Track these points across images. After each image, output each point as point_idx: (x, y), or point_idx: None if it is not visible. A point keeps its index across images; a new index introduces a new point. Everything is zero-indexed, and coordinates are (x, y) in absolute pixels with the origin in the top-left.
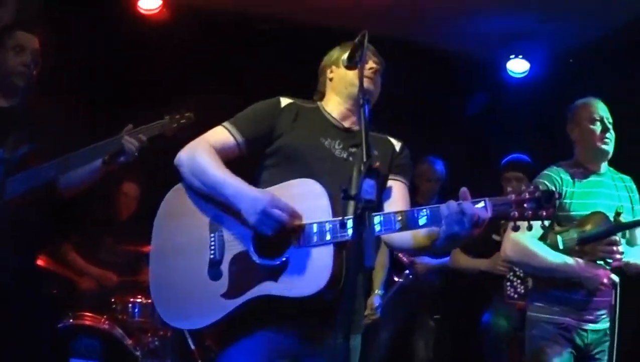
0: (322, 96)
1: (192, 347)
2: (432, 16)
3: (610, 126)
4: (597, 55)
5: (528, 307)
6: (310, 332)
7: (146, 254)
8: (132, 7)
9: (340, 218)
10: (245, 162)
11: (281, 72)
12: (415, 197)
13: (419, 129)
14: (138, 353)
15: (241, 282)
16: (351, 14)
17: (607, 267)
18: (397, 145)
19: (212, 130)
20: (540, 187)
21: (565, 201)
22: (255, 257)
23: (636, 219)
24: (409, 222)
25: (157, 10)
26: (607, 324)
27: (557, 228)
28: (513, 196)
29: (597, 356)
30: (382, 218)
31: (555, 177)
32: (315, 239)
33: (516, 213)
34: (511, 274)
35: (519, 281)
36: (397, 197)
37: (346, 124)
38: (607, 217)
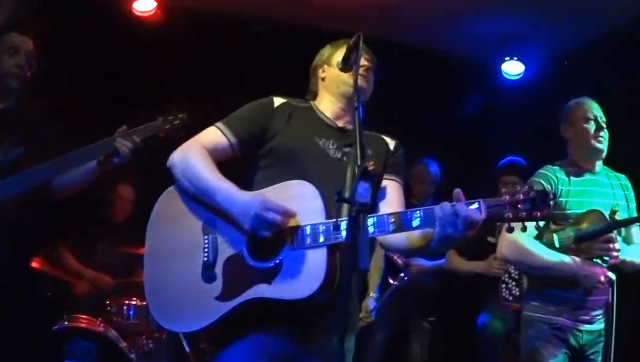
0: (314, 96)
1: (187, 349)
2: (427, 18)
3: (604, 125)
4: (592, 57)
5: (523, 306)
6: (304, 334)
7: (141, 256)
8: (127, 8)
9: (334, 220)
10: (238, 162)
11: (276, 73)
12: (410, 199)
13: (414, 130)
14: (133, 356)
15: (235, 285)
16: (346, 16)
17: (604, 265)
18: (392, 144)
19: (204, 131)
20: (536, 186)
21: (561, 199)
22: (248, 260)
23: (632, 216)
24: (402, 223)
25: (152, 12)
26: (602, 325)
27: (553, 226)
28: (507, 197)
29: (591, 357)
30: (375, 220)
31: (551, 176)
32: (308, 241)
33: (510, 214)
34: (506, 276)
35: (514, 283)
36: (392, 197)
37: (340, 123)
38: (603, 215)
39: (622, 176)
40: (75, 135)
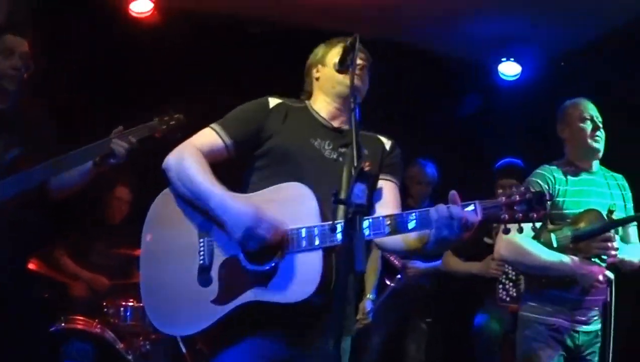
0: (309, 95)
1: (184, 351)
2: (424, 18)
3: (600, 125)
4: (588, 58)
5: (521, 307)
6: (301, 337)
7: (138, 257)
8: (124, 9)
9: (330, 223)
10: (233, 163)
11: (272, 74)
12: (407, 200)
13: (411, 131)
14: (130, 357)
15: (231, 288)
16: (343, 17)
17: (603, 264)
18: (388, 144)
19: (200, 133)
20: (533, 186)
21: (558, 199)
22: (244, 263)
23: (630, 215)
24: (398, 226)
25: (149, 13)
26: (599, 326)
27: (550, 226)
28: (503, 199)
29: (588, 357)
30: (371, 222)
31: (549, 176)
32: (304, 243)
33: (506, 216)
34: (503, 276)
35: (511, 284)
36: (388, 198)
37: (335, 123)
38: (600, 214)
39: (619, 176)
40: (72, 136)
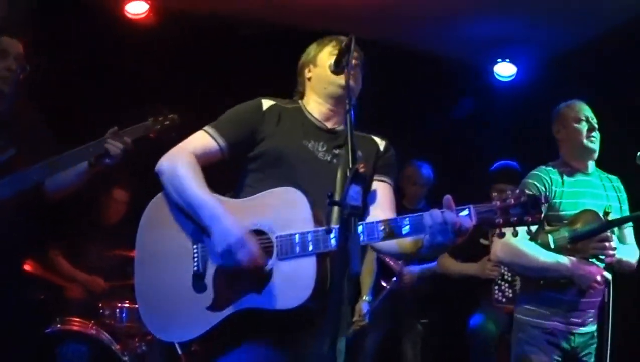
0: (302, 95)
1: (180, 352)
2: (420, 20)
3: (596, 126)
4: (584, 60)
5: (516, 309)
6: (296, 341)
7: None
8: (119, 11)
9: (323, 228)
10: (227, 166)
11: (267, 75)
12: (402, 201)
13: (406, 132)
14: (126, 358)
15: (226, 295)
16: (337, 17)
17: (601, 265)
18: (382, 144)
19: (193, 136)
20: (529, 188)
21: (554, 200)
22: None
23: (627, 215)
24: (392, 231)
25: (144, 15)
26: (595, 327)
27: (547, 228)
28: (498, 203)
29: (584, 359)
30: (365, 227)
31: (545, 177)
32: (297, 249)
33: (501, 220)
34: (499, 277)
35: (507, 285)
36: (383, 199)
37: (329, 124)
38: (597, 214)
39: (614, 178)
40: (68, 137)
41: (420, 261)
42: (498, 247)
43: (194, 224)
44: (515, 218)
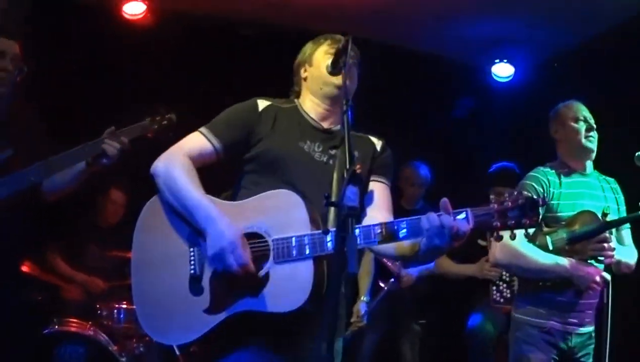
0: (298, 94)
1: (178, 353)
2: (417, 20)
3: (594, 126)
4: (581, 60)
5: (513, 309)
6: (293, 343)
7: None
8: (117, 12)
9: (320, 231)
10: (222, 167)
11: (265, 76)
12: (400, 202)
13: (404, 132)
14: (123, 359)
15: (222, 298)
16: (336, 19)
17: (600, 266)
18: (378, 144)
19: (188, 137)
20: (527, 190)
21: (552, 202)
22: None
23: (625, 216)
24: (389, 235)
25: (142, 15)
26: (592, 328)
27: (545, 229)
28: (495, 205)
29: (581, 359)
30: (362, 230)
31: (543, 179)
32: (294, 253)
33: (499, 223)
34: (497, 278)
35: (504, 285)
36: (380, 200)
37: (325, 124)
38: (595, 215)
39: (611, 180)
40: (65, 137)
41: (417, 264)
42: (497, 249)
43: (190, 226)
44: (513, 221)
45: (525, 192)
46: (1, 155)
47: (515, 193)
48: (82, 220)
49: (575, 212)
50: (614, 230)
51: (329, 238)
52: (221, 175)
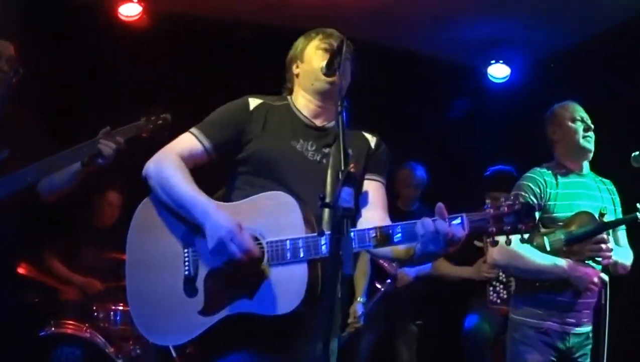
0: (290, 91)
1: (174, 354)
2: (414, 21)
3: (591, 126)
4: (577, 60)
5: (510, 309)
6: (288, 345)
7: None
8: (113, 13)
9: (314, 233)
10: (214, 167)
11: (260, 77)
12: (396, 203)
13: (400, 133)
14: (120, 361)
15: (217, 299)
16: (332, 20)
17: (598, 267)
18: (373, 141)
19: (179, 138)
20: (524, 190)
21: (549, 203)
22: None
23: (621, 217)
24: (384, 239)
25: (138, 17)
26: (590, 328)
27: (542, 230)
28: (491, 211)
29: (579, 360)
30: (356, 234)
31: (539, 179)
32: (288, 256)
33: (494, 228)
34: (494, 279)
35: (501, 286)
36: (375, 199)
37: (318, 122)
38: (592, 216)
39: (608, 181)
40: (61, 138)
41: (413, 266)
42: (494, 250)
43: (184, 227)
44: (509, 227)
45: (522, 198)
46: None
47: (511, 198)
48: (78, 221)
49: (572, 213)
50: (610, 231)
51: (323, 241)
52: (212, 176)
